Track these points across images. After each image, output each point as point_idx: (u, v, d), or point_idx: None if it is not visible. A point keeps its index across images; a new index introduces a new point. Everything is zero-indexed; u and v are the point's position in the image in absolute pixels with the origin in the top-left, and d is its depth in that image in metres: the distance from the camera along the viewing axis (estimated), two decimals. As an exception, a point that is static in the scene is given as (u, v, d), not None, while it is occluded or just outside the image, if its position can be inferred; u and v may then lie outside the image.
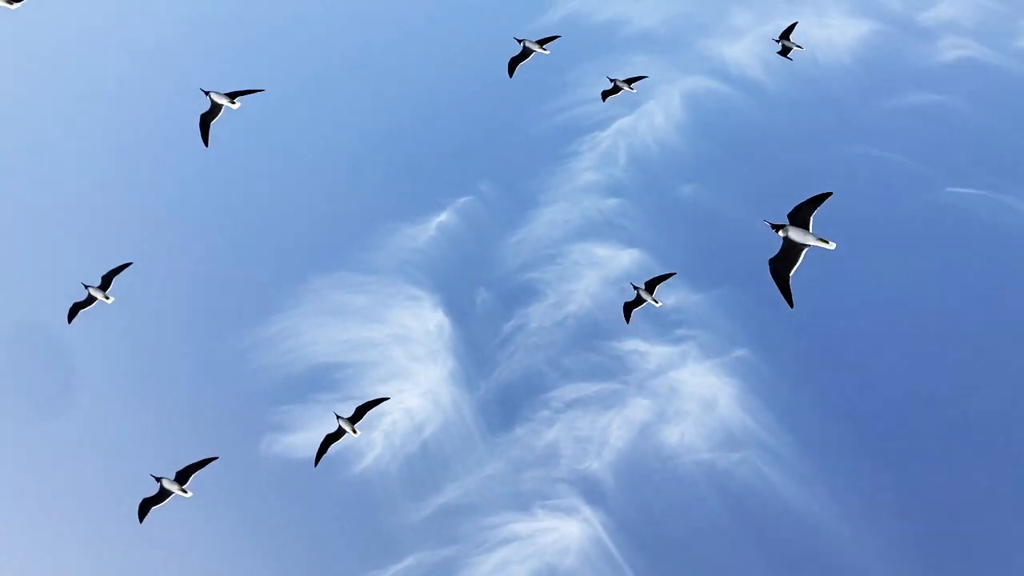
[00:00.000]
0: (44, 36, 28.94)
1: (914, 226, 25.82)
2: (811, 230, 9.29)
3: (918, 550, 21.31)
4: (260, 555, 21.52)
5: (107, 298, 14.04)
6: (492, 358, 24.66)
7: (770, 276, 9.49)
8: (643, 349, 24.26)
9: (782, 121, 28.59)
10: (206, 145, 13.75)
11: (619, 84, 15.80)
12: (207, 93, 13.45)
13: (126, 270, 13.95)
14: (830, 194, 9.19)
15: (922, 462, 22.66)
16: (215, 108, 13.62)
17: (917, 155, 26.34)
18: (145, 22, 30.44)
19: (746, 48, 29.07)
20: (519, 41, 15.27)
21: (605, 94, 16.02)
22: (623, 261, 25.95)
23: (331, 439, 13.33)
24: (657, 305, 15.12)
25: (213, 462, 12.45)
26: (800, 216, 9.23)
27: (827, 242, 9.28)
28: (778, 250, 9.40)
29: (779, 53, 16.84)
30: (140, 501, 12.52)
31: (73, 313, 14.19)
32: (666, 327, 24.61)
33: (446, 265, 26.80)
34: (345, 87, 31.14)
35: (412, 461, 22.73)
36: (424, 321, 25.44)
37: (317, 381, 23.67)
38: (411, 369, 24.57)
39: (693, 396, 23.71)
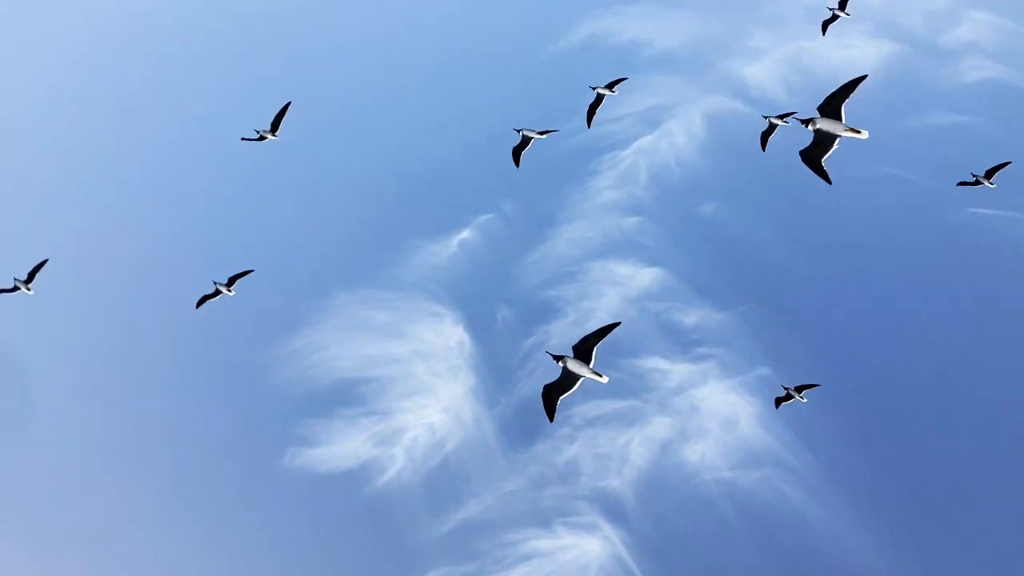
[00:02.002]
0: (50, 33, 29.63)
1: (937, 247, 25.77)
2: (843, 120, 9.04)
3: (942, 570, 21.13)
4: (281, 568, 21.65)
5: (28, 289, 14.30)
6: (513, 374, 24.80)
7: (805, 162, 9.24)
8: (664, 367, 24.32)
9: (803, 141, 28.62)
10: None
11: (601, 92, 15.95)
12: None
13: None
14: (864, 77, 8.87)
15: (945, 484, 22.51)
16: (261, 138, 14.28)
17: (939, 176, 26.34)
18: (165, 33, 31.08)
19: (766, 68, 29.25)
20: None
21: (592, 108, 16.15)
22: (643, 279, 26.07)
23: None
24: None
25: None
26: (832, 106, 8.97)
27: (859, 132, 9.02)
28: (809, 142, 9.18)
29: (826, 21, 17.08)
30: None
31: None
32: (687, 345, 24.68)
33: (467, 282, 27.02)
34: (369, 106, 31.60)
35: (433, 476, 22.86)
36: (445, 337, 25.65)
37: (340, 395, 23.90)
38: (432, 385, 24.75)
39: (714, 414, 23.71)
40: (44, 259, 14.13)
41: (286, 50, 31.74)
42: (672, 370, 24.23)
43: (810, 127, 9.12)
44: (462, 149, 30.52)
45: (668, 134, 28.72)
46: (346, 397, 23.86)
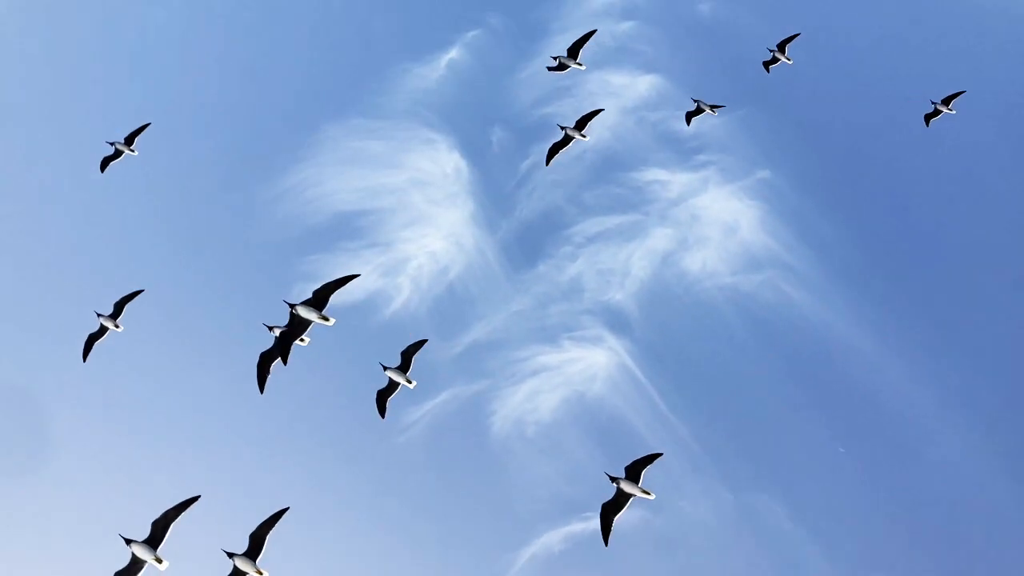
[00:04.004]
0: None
1: (938, 41, 24.67)
2: (640, 483, 11.21)
3: (935, 359, 21.87)
4: (291, 403, 22.53)
5: (117, 327, 14.28)
6: (511, 197, 24.65)
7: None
8: (664, 178, 24.08)
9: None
10: None
11: (563, 61, 14.69)
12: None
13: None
14: (660, 454, 11.24)
15: (943, 278, 22.82)
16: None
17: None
18: None
19: None
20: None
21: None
22: (641, 88, 25.24)
23: (384, 395, 13.25)
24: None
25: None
26: (634, 470, 11.18)
27: (649, 493, 11.22)
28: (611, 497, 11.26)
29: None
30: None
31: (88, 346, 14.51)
32: (686, 153, 24.29)
33: (459, 105, 26.29)
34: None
35: (440, 303, 23.29)
36: (441, 164, 25.30)
37: (341, 229, 23.90)
38: (432, 213, 24.69)
39: (715, 222, 23.73)
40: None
41: None
42: (672, 180, 24.01)
43: (614, 484, 11.24)
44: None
45: (661, -73, 26.88)
46: (347, 231, 23.90)
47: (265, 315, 12.91)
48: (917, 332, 22.19)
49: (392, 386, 13.27)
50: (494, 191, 24.84)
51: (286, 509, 10.62)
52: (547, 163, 15.07)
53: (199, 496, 10.56)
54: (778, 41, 16.95)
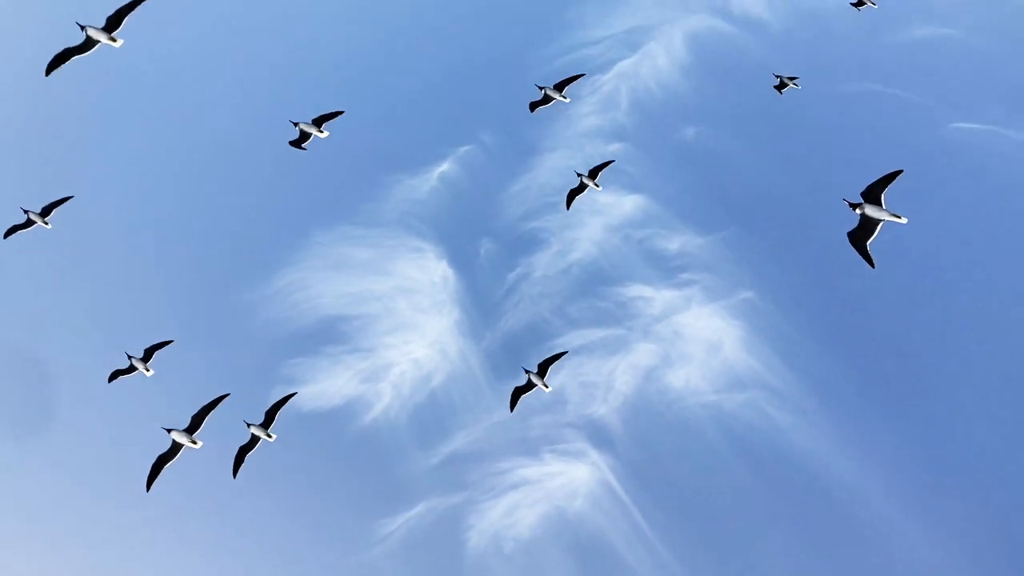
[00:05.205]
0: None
1: (919, 162, 25.56)
2: (884, 206, 10.37)
3: (923, 486, 21.58)
4: (271, 507, 21.89)
5: (148, 371, 14.20)
6: (497, 307, 24.77)
7: (847, 240, 10.62)
8: (648, 294, 24.31)
9: (786, 59, 28.17)
10: None
11: (549, 93, 15.35)
12: (296, 124, 14.04)
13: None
14: (900, 172, 10.13)
15: (925, 402, 22.82)
16: (304, 136, 14.18)
17: (922, 90, 25.98)
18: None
19: (748, -15, 28.50)
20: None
21: (533, 105, 15.54)
22: (626, 207, 25.83)
23: (243, 451, 13.06)
24: (598, 189, 15.16)
25: (226, 399, 12.57)
26: (873, 194, 10.29)
27: (899, 216, 10.43)
28: (856, 225, 10.58)
29: (852, 4, 17.08)
30: (155, 459, 12.64)
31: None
32: (671, 271, 24.63)
33: (449, 216, 26.74)
34: (344, 36, 30.73)
35: (421, 411, 23.00)
36: (429, 272, 25.51)
37: (325, 334, 23.84)
38: (417, 320, 24.71)
39: (698, 339, 23.82)
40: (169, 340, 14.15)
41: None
42: (656, 297, 24.24)
43: (857, 211, 10.51)
44: (439, 78, 29.87)
45: (649, 56, 28.15)
46: (330, 335, 23.82)
47: (244, 413, 12.76)
48: (902, 459, 22.00)
49: (253, 440, 13.14)
50: (481, 301, 25.00)
51: None
52: (567, 207, 15.51)
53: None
54: (780, 77, 17.18)
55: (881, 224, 10.40)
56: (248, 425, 12.97)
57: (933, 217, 24.78)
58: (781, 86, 16.84)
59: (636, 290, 24.32)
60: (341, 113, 14.17)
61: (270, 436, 13.01)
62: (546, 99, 15.19)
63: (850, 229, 10.59)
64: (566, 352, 15.02)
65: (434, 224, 26.30)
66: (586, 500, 21.31)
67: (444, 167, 27.15)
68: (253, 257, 25.76)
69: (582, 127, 27.46)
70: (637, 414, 22.76)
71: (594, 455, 21.96)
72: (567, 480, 21.59)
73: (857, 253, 10.58)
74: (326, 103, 29.46)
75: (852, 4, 17.19)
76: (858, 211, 10.38)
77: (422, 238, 25.99)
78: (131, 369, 14.10)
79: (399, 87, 29.55)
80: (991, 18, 26.73)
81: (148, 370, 14.13)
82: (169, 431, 12.45)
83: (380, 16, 30.86)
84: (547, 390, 14.94)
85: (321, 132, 14.16)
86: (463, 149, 27.50)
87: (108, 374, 14.15)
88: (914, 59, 26.71)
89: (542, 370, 14.81)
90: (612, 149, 27.11)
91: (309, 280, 24.75)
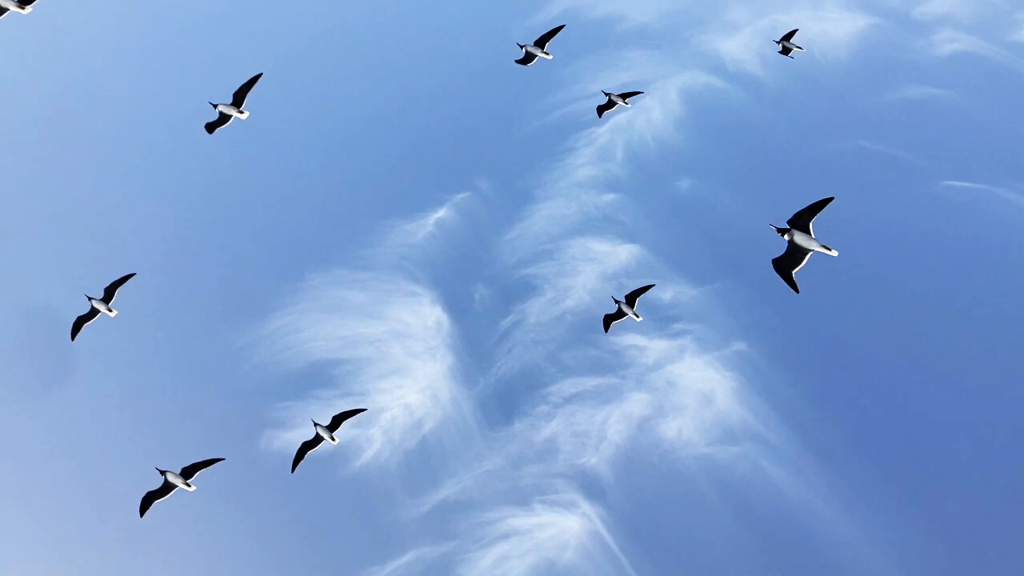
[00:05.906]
0: (46, 36, 28.95)
1: (911, 220, 25.87)
2: (812, 235, 9.84)
3: (916, 542, 21.39)
4: (259, 551, 21.56)
5: (110, 311, 13.95)
6: (491, 354, 24.71)
7: (773, 270, 10.10)
8: (641, 344, 24.32)
9: (779, 116, 28.63)
10: None
11: (614, 98, 15.54)
12: (215, 106, 13.60)
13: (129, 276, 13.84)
14: (831, 199, 9.56)
15: (920, 456, 22.74)
16: (223, 119, 13.72)
17: (914, 149, 26.39)
18: (143, 21, 30.43)
19: (742, 43, 29.11)
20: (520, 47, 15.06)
21: (600, 109, 15.75)
22: (621, 256, 26.00)
23: (308, 446, 13.44)
24: (638, 320, 15.29)
25: (219, 462, 12.45)
26: (801, 221, 9.76)
27: (829, 249, 9.80)
28: (783, 252, 10.04)
29: (780, 53, 16.96)
30: (144, 495, 12.49)
31: (77, 327, 14.04)
32: (664, 321, 24.68)
33: (444, 261, 26.84)
34: (342, 84, 31.16)
35: (411, 457, 22.79)
36: (423, 317, 25.49)
37: (316, 378, 23.71)
38: (410, 365, 24.61)
39: (691, 390, 23.77)
40: (130, 273, 13.93)
41: (257, 26, 31.20)
42: (649, 346, 24.25)
43: (785, 237, 9.94)
44: (437, 127, 30.24)
45: (644, 110, 28.58)
46: (322, 379, 23.70)
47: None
48: (895, 513, 21.83)
49: (317, 439, 13.58)
50: (474, 346, 24.95)
51: None
52: (605, 331, 15.55)
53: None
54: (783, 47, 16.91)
55: (810, 254, 9.92)
56: (315, 424, 13.29)
57: (925, 274, 25.01)
58: (785, 51, 16.59)
59: (629, 339, 24.33)
60: (260, 76, 13.45)
61: (334, 439, 13.41)
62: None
63: (776, 256, 10.14)
64: (653, 284, 15.33)
65: (429, 269, 26.42)
66: (576, 552, 21.04)
67: (441, 213, 27.36)
68: (247, 299, 25.77)
69: (577, 177, 27.77)
70: (629, 465, 22.61)
71: (585, 506, 21.75)
72: (558, 531, 21.34)
73: (785, 282, 10.15)
74: (328, 151, 29.78)
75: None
76: (786, 237, 9.91)
77: (417, 283, 26.07)
78: (93, 313, 13.81)
79: (400, 136, 29.94)
80: (981, 81, 27.31)
81: (111, 311, 13.82)
82: (163, 472, 12.31)
83: (381, 68, 31.37)
84: (637, 319, 15.25)
85: (241, 113, 13.57)
86: (460, 196, 27.75)
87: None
88: (906, 118, 27.20)
89: (630, 300, 15.07)
90: (607, 199, 27.38)
91: (302, 323, 24.73)
